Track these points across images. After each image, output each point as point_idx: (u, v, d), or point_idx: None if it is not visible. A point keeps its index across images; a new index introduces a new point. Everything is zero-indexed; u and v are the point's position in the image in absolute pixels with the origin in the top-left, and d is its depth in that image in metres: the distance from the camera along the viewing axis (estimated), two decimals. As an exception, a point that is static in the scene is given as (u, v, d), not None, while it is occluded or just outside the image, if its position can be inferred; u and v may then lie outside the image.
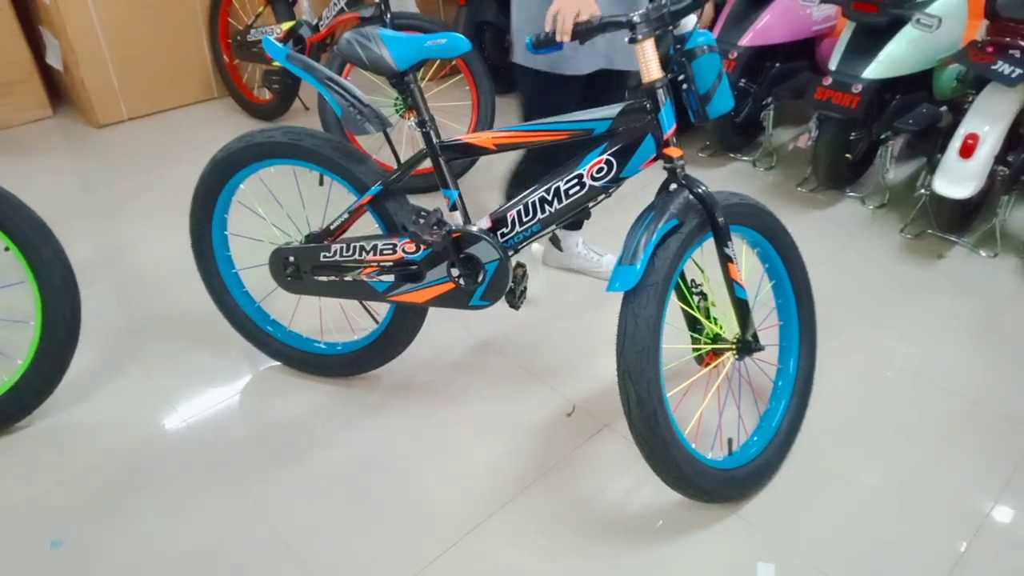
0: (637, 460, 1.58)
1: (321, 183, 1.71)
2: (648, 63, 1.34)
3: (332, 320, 2.06)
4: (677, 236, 1.36)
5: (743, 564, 1.44)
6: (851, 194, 2.71)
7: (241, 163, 1.71)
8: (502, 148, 1.51)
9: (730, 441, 1.61)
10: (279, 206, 2.03)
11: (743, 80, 2.70)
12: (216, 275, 1.88)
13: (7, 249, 1.67)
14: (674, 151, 1.38)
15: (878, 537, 1.49)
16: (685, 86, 1.39)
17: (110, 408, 1.85)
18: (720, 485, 1.48)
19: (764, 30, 2.58)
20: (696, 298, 1.56)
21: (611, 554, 1.46)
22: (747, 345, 1.53)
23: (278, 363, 1.96)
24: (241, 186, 1.79)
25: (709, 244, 1.44)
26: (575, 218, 1.51)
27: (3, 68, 3.21)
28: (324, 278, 1.73)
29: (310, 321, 2.03)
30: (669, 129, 1.37)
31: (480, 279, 1.57)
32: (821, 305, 1.78)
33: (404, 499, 1.60)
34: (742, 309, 1.49)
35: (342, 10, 2.81)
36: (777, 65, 2.72)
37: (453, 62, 2.83)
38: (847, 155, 2.54)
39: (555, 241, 2.28)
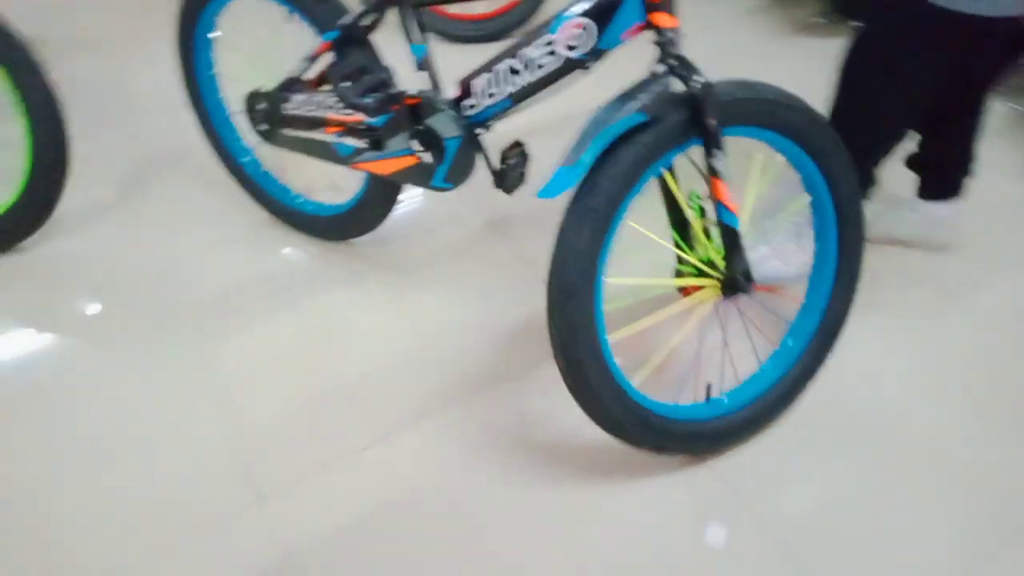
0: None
1: (290, 19, 1.50)
2: None
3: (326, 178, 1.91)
4: (645, 136, 1.05)
5: (696, 517, 1.24)
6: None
7: (209, -5, 1.53)
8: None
9: (708, 387, 1.35)
10: (265, 47, 1.84)
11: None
12: (207, 118, 1.76)
13: None
14: (664, 18, 1.04)
15: (861, 527, 1.23)
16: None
17: (99, 242, 1.85)
18: (675, 438, 1.25)
19: None
20: (697, 205, 1.25)
21: (549, 482, 1.31)
22: (733, 283, 1.22)
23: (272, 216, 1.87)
24: (219, 20, 1.62)
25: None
26: (544, 96, 1.22)
27: None
28: (291, 132, 1.56)
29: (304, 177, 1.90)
30: (660, -13, 1.02)
31: (441, 157, 1.35)
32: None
33: (356, 377, 1.49)
34: (728, 238, 1.17)
35: None
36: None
37: None
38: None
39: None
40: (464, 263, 1.75)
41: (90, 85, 2.51)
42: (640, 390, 1.24)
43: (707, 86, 1.04)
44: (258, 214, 1.88)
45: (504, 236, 1.81)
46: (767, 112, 1.12)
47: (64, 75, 2.61)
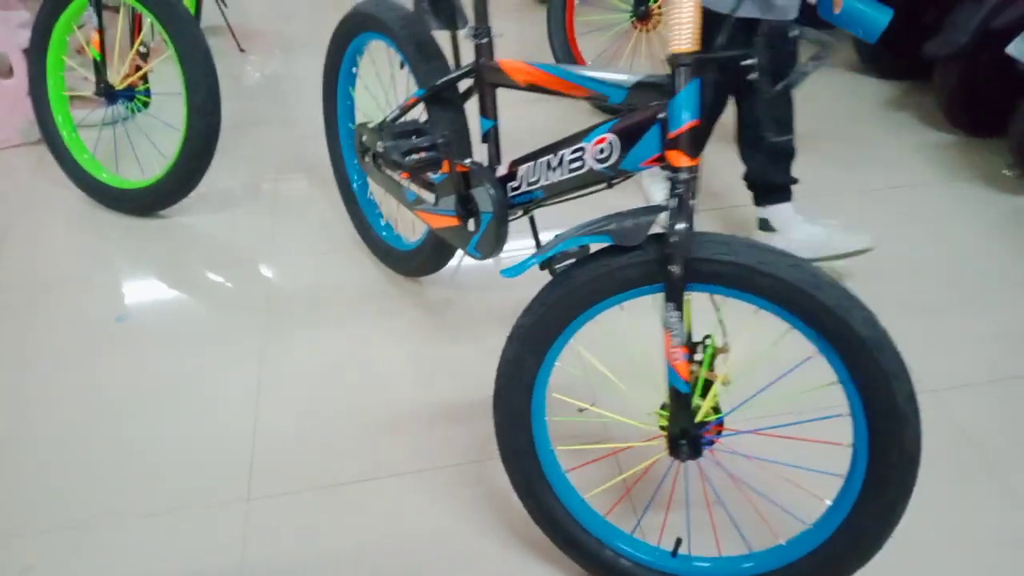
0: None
1: (402, 67, 1.61)
2: (677, 23, 0.95)
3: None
4: (611, 262, 1.02)
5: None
6: None
7: (351, 33, 1.69)
8: (529, 87, 1.24)
9: (677, 541, 1.21)
10: (389, 88, 1.97)
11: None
12: (336, 140, 1.94)
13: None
14: (679, 157, 0.99)
15: None
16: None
17: (223, 224, 2.10)
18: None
19: None
20: (700, 353, 1.11)
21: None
22: (674, 444, 1.10)
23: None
24: (360, 59, 1.78)
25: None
26: (576, 196, 1.22)
27: None
28: (380, 170, 1.68)
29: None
30: (681, 124, 0.97)
31: (477, 226, 1.38)
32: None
33: (377, 411, 1.56)
34: (673, 399, 1.07)
35: None
36: None
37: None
38: None
39: (764, 225, 1.91)
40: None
41: (269, 82, 2.85)
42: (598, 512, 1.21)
43: (686, 235, 0.97)
44: (352, 232, 2.03)
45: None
46: (775, 287, 0.96)
47: (255, 68, 3.01)
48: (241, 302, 1.84)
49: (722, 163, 2.10)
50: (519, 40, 3.09)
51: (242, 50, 3.06)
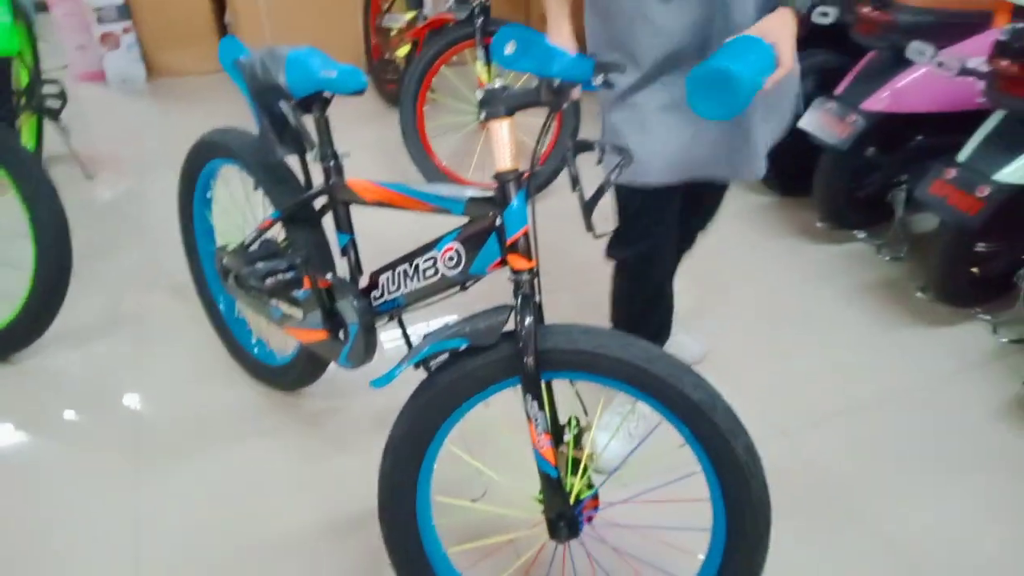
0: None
1: (256, 188, 1.66)
2: (498, 147, 1.08)
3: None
4: (468, 363, 1.10)
5: None
6: (982, 316, 2.07)
7: (201, 161, 1.74)
8: (377, 203, 1.34)
9: None
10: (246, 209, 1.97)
11: (871, 149, 2.16)
12: (197, 263, 1.94)
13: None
14: (517, 260, 1.10)
15: None
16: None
17: (82, 362, 2.02)
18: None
19: (903, 94, 2.01)
20: (572, 434, 1.21)
21: None
22: (555, 526, 1.19)
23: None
24: (214, 182, 1.82)
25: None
26: (436, 300, 1.30)
27: (189, 22, 3.64)
28: (244, 290, 1.70)
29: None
30: (515, 232, 1.09)
31: (346, 338, 1.44)
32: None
33: (258, 540, 1.53)
34: (545, 483, 1.16)
35: (450, 8, 2.68)
36: (920, 139, 2.12)
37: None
38: (972, 269, 1.93)
39: None
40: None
41: (122, 206, 2.80)
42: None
43: (531, 327, 1.07)
44: (223, 352, 2.01)
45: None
46: (598, 364, 1.07)
47: (106, 193, 2.94)
48: (109, 441, 1.77)
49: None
50: (379, 145, 3.20)
51: (89, 176, 2.99)
